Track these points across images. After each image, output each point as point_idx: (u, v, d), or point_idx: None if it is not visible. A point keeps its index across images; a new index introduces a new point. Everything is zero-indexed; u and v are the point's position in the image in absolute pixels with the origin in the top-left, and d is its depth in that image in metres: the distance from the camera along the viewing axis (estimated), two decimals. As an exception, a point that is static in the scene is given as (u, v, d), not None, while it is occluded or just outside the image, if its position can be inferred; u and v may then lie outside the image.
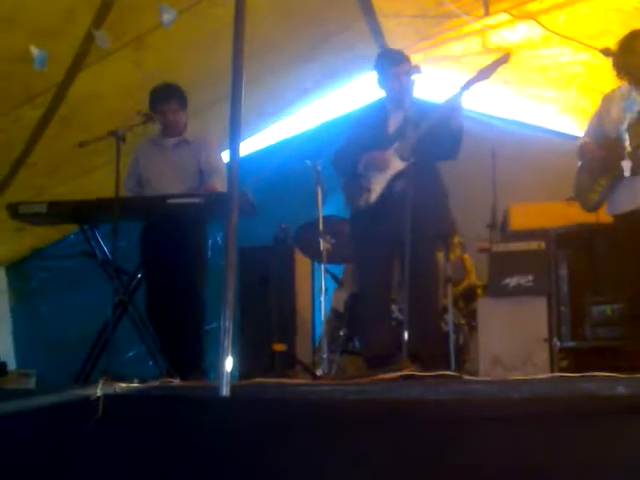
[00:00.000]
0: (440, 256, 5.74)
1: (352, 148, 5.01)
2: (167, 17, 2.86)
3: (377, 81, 5.06)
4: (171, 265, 5.16)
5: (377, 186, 4.88)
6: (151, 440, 3.47)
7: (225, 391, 3.30)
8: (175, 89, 5.39)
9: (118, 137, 4.81)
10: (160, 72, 5.59)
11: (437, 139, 4.73)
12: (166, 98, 5.35)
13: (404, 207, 4.27)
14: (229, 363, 3.32)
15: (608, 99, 4.79)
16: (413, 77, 4.57)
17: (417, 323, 4.44)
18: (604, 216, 4.92)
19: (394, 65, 4.94)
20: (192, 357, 5.20)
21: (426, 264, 4.81)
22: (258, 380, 3.74)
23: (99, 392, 3.50)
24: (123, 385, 3.70)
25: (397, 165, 4.77)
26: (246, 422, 3.42)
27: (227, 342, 3.35)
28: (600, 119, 4.80)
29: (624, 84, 4.68)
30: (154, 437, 3.47)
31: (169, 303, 5.21)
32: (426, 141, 4.65)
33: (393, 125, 4.97)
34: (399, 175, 4.75)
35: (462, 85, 4.69)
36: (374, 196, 4.88)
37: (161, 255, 5.21)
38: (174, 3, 4.47)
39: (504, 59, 4.62)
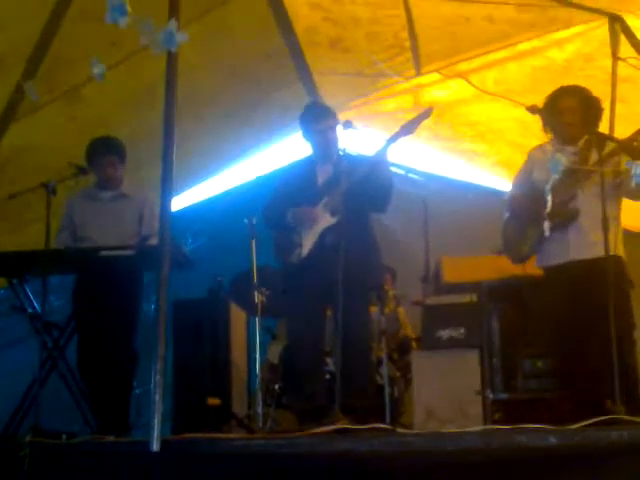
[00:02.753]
0: (374, 309, 5.77)
1: (281, 202, 5.02)
2: (97, 70, 2.86)
3: (302, 136, 5.10)
4: (103, 319, 5.08)
5: (308, 241, 4.90)
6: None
7: (155, 446, 3.25)
8: (115, 142, 5.35)
9: (49, 189, 4.75)
10: (94, 126, 5.56)
11: (366, 192, 4.77)
12: (106, 151, 5.30)
13: (335, 260, 4.28)
14: (159, 417, 3.27)
15: (534, 154, 4.89)
16: (343, 131, 4.63)
17: (351, 376, 4.44)
18: (531, 268, 4.99)
19: (318, 120, 4.99)
20: (122, 413, 5.11)
21: (359, 317, 4.83)
22: (189, 435, 3.68)
23: (26, 448, 3.43)
24: (51, 441, 3.63)
25: (327, 220, 4.80)
26: (177, 477, 3.36)
27: (158, 396, 3.31)
28: (527, 173, 4.88)
29: (550, 141, 4.79)
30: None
31: (100, 358, 5.11)
32: (355, 194, 4.68)
33: (321, 178, 5.00)
34: (329, 229, 4.78)
35: (387, 139, 4.76)
36: (305, 251, 4.90)
37: (93, 308, 5.12)
38: (108, 54, 4.46)
39: (426, 113, 4.70)
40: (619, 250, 4.63)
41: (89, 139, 5.36)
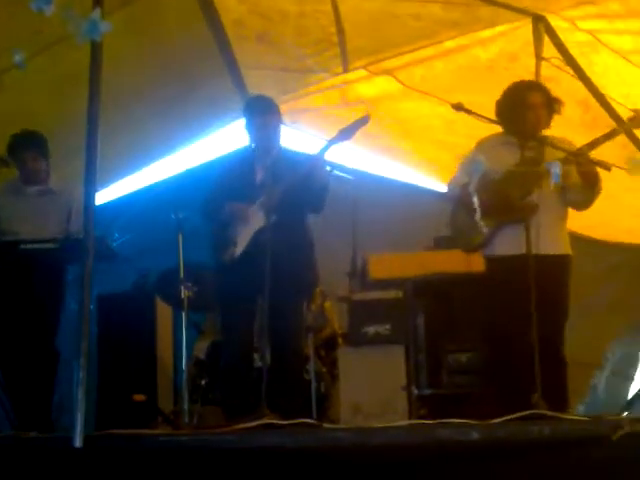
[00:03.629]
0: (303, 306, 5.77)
1: (220, 195, 4.99)
2: (18, 58, 2.80)
3: (245, 126, 5.08)
4: (23, 314, 4.98)
5: (242, 239, 4.88)
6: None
7: (78, 442, 3.20)
8: (36, 136, 5.26)
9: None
10: (16, 115, 5.44)
11: (302, 193, 4.78)
12: (26, 146, 5.21)
13: (269, 260, 4.31)
14: (83, 413, 3.23)
15: (486, 143, 4.78)
16: (280, 127, 4.63)
17: (279, 372, 4.46)
18: (476, 263, 5.00)
19: (261, 115, 4.97)
20: (44, 410, 5.02)
21: (291, 315, 4.85)
22: (113, 431, 3.63)
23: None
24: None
25: (261, 220, 4.79)
26: (100, 474, 3.32)
27: (81, 392, 3.27)
28: (478, 162, 4.60)
29: (501, 134, 4.70)
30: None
31: (21, 354, 5.01)
32: (291, 195, 4.69)
33: (260, 174, 4.99)
34: (264, 229, 4.77)
35: (324, 144, 4.78)
36: (239, 250, 4.87)
37: (13, 303, 5.02)
38: (32, 42, 4.37)
39: (364, 120, 4.72)
40: (569, 249, 4.69)
41: (11, 129, 5.26)
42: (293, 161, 4.90)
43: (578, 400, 5.42)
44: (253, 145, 5.08)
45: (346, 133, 4.70)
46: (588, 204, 4.66)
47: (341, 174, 5.52)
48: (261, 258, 4.42)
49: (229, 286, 4.95)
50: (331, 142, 4.75)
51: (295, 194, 4.73)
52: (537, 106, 4.66)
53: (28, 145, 5.21)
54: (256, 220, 4.81)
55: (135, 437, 3.56)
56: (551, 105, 4.68)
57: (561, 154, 4.33)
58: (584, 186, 4.48)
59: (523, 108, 4.64)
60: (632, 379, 7.34)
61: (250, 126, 5.03)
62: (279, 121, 4.96)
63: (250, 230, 4.84)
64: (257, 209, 4.82)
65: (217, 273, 5.10)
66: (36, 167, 5.24)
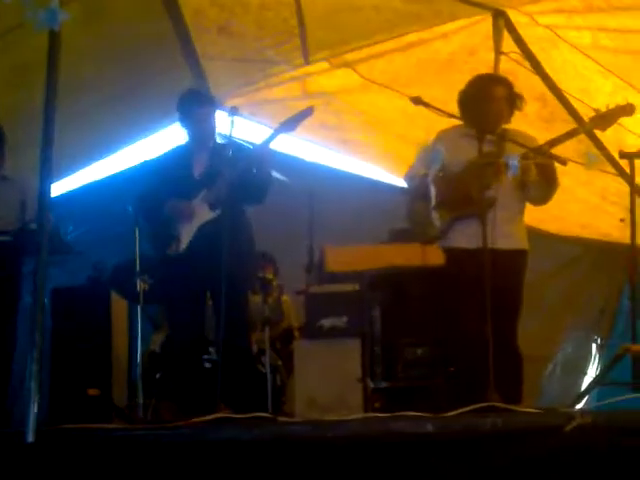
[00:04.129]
0: (257, 298, 5.77)
1: (156, 193, 4.94)
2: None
3: (179, 122, 5.04)
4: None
5: (185, 235, 4.84)
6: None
7: (30, 437, 3.17)
8: None
9: None
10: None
11: (245, 185, 4.75)
12: None
13: (214, 252, 4.30)
14: (35, 408, 3.19)
15: (446, 135, 4.77)
16: (229, 118, 4.61)
17: (229, 366, 4.45)
18: (433, 255, 5.02)
19: (197, 106, 4.94)
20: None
21: (236, 308, 4.81)
22: (66, 426, 3.60)
23: None
24: None
25: (205, 214, 4.75)
26: (53, 469, 3.29)
27: (34, 386, 3.23)
28: (435, 152, 4.69)
29: (459, 126, 4.69)
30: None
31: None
32: (234, 187, 4.67)
33: (198, 168, 4.95)
34: (208, 222, 4.74)
35: (268, 135, 4.76)
36: (183, 244, 4.84)
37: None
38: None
39: (308, 112, 4.70)
40: (526, 245, 4.72)
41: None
42: (234, 152, 4.83)
43: (530, 393, 5.46)
44: (190, 139, 5.04)
45: (289, 124, 4.69)
46: (546, 199, 4.69)
47: (297, 166, 5.51)
48: (205, 251, 4.40)
49: (174, 281, 4.91)
50: (275, 133, 4.73)
51: (238, 186, 4.70)
52: (500, 99, 4.67)
53: None
54: (200, 214, 4.78)
55: (89, 432, 3.53)
56: (513, 100, 4.70)
57: (520, 149, 4.36)
58: (542, 181, 4.51)
59: (486, 100, 4.65)
60: (584, 373, 7.45)
61: (186, 119, 4.99)
62: (214, 112, 4.94)
63: (194, 224, 4.82)
64: (200, 203, 4.79)
65: (161, 270, 5.06)
66: None
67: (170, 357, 5.72)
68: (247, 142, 5.40)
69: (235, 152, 4.74)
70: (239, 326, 4.82)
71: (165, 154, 5.37)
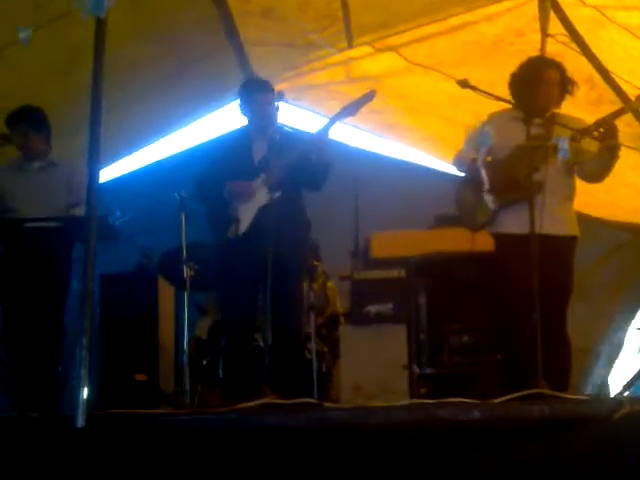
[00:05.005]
0: (304, 285, 5.77)
1: (215, 176, 4.97)
2: (23, 35, 2.78)
3: (240, 108, 5.06)
4: (28, 292, 4.97)
5: (245, 216, 4.86)
6: (3, 472, 3.33)
7: (80, 422, 3.21)
8: (26, 111, 5.22)
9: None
10: (15, 91, 5.42)
11: (303, 171, 4.77)
12: (16, 120, 5.19)
13: (272, 235, 4.31)
14: (85, 393, 3.23)
15: (496, 119, 4.70)
16: (277, 105, 4.62)
17: (279, 351, 4.47)
18: (481, 241, 4.98)
19: (258, 93, 4.96)
20: (47, 389, 5.03)
21: (292, 294, 4.86)
22: (115, 411, 3.64)
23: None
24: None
25: (264, 197, 4.76)
26: (102, 454, 3.33)
27: (84, 371, 3.27)
28: (484, 136, 4.56)
29: (509, 109, 4.63)
30: (6, 469, 3.33)
31: (25, 333, 5.02)
32: (292, 173, 4.68)
33: (257, 154, 4.97)
34: (268, 206, 4.74)
35: (328, 120, 4.75)
36: (243, 226, 4.86)
37: (18, 281, 5.02)
38: (32, 16, 4.33)
39: (370, 96, 4.68)
40: (576, 230, 4.66)
41: (13, 105, 5.24)
42: (294, 139, 4.88)
43: (576, 383, 5.41)
44: (250, 125, 5.06)
45: (350, 109, 4.69)
46: (604, 175, 4.58)
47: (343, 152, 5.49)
48: (263, 235, 4.41)
49: (231, 264, 4.94)
50: (335, 118, 4.74)
51: (297, 172, 4.72)
52: (551, 83, 4.62)
53: (17, 120, 5.19)
54: (259, 196, 4.80)
55: (137, 417, 3.57)
56: (565, 85, 4.65)
57: (569, 132, 4.29)
58: (604, 154, 4.42)
59: (537, 83, 4.59)
60: (631, 362, 7.35)
61: (246, 106, 5.02)
62: (275, 100, 4.95)
63: (254, 206, 4.83)
64: (259, 185, 4.81)
65: (218, 251, 5.09)
66: (25, 142, 5.20)
67: (218, 343, 5.77)
68: (300, 131, 5.40)
69: (295, 138, 4.75)
70: (292, 310, 4.85)
71: (224, 138, 5.41)
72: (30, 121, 5.21)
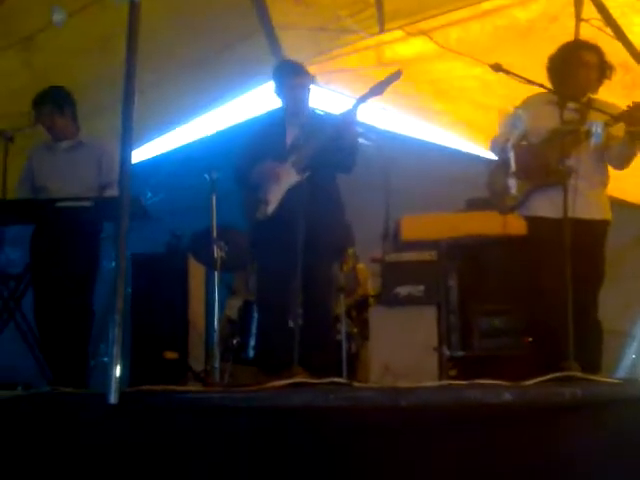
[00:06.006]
0: (334, 266, 5.78)
1: (250, 158, 4.99)
2: (58, 17, 2.80)
3: (274, 91, 5.07)
4: (59, 271, 5.02)
5: (274, 197, 4.87)
6: (37, 447, 3.38)
7: (113, 398, 3.25)
8: (50, 93, 5.24)
9: (6, 137, 4.70)
10: (51, 73, 5.47)
11: (332, 152, 4.76)
12: (41, 101, 5.23)
13: (301, 218, 4.31)
14: (118, 370, 3.27)
15: (532, 102, 4.64)
16: (310, 88, 4.62)
17: (310, 331, 4.49)
18: (512, 225, 4.95)
19: (292, 76, 4.96)
20: (79, 366, 5.09)
21: (322, 275, 4.87)
22: (146, 387, 3.68)
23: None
24: (7, 392, 3.61)
25: (293, 177, 4.77)
26: (134, 430, 3.37)
27: (116, 349, 3.30)
28: (520, 120, 4.41)
29: (545, 93, 4.55)
30: (40, 444, 3.38)
31: (57, 310, 5.07)
32: (322, 154, 4.69)
33: (291, 136, 4.98)
34: (296, 187, 4.76)
35: (356, 100, 4.74)
36: (271, 208, 4.87)
37: (49, 260, 5.06)
38: (65, 4, 4.37)
39: (396, 75, 4.67)
40: (608, 215, 4.63)
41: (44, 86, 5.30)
42: (323, 121, 4.88)
43: (607, 367, 5.38)
44: (284, 107, 5.07)
45: (377, 89, 4.67)
46: (627, 162, 4.55)
47: (373, 135, 5.47)
48: (294, 216, 4.42)
49: (264, 247, 4.97)
50: (362, 99, 4.71)
51: (326, 153, 4.72)
52: (590, 66, 4.58)
53: (42, 101, 5.23)
54: (288, 177, 4.81)
55: (168, 393, 3.61)
56: (603, 69, 4.60)
57: (603, 117, 4.25)
58: (627, 143, 4.38)
59: (575, 65, 4.56)
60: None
61: (281, 88, 5.02)
62: (309, 83, 4.95)
63: (282, 188, 4.84)
64: (289, 167, 4.82)
65: (251, 234, 5.11)
66: (53, 123, 5.24)
67: (248, 323, 5.80)
68: (330, 113, 5.41)
69: (325, 120, 4.75)
70: (322, 291, 4.85)
71: (254, 120, 5.40)
72: (54, 102, 5.24)
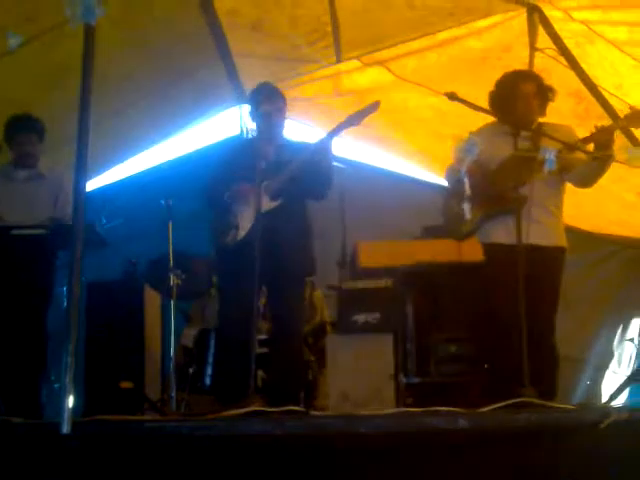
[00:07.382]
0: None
1: (222, 181, 4.94)
2: (13, 41, 2.78)
3: (249, 113, 5.07)
4: (13, 298, 4.97)
5: (245, 223, 4.83)
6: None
7: (66, 428, 3.19)
8: (36, 121, 5.28)
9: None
10: (5, 104, 5.43)
11: (306, 180, 4.75)
12: (26, 129, 5.22)
13: (272, 245, 4.30)
14: (71, 400, 3.22)
15: (482, 132, 4.65)
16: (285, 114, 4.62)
17: (282, 356, 4.48)
18: (467, 251, 4.98)
19: (266, 101, 4.93)
20: (32, 396, 5.01)
21: (294, 302, 4.83)
22: (100, 417, 3.63)
23: None
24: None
25: (265, 204, 4.75)
26: (88, 460, 3.32)
27: (69, 378, 3.25)
28: (473, 147, 4.34)
29: (493, 123, 4.65)
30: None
31: (9, 339, 5.00)
32: (295, 181, 4.68)
33: (264, 161, 4.94)
34: (268, 213, 4.73)
35: (332, 129, 4.74)
36: (242, 233, 4.83)
37: (3, 289, 5.01)
38: (23, 30, 4.33)
39: (374, 106, 4.67)
40: (563, 241, 4.67)
41: (2, 117, 5.25)
42: (297, 148, 4.86)
43: (563, 392, 5.43)
44: (257, 132, 5.05)
45: (354, 119, 4.67)
46: (595, 180, 4.59)
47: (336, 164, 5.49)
48: (263, 243, 4.40)
49: (231, 273, 4.89)
50: (338, 128, 4.71)
51: (299, 180, 4.71)
52: (529, 96, 4.64)
53: (28, 129, 5.23)
54: (261, 202, 4.79)
55: (122, 423, 3.56)
56: (544, 93, 4.67)
57: (557, 144, 4.30)
58: (596, 163, 4.41)
59: (515, 98, 4.62)
60: (617, 372, 7.39)
61: (254, 113, 5.01)
62: (284, 108, 4.95)
63: (253, 214, 4.80)
64: (262, 192, 4.79)
65: (218, 259, 5.06)
66: (32, 150, 5.27)
67: (204, 352, 5.75)
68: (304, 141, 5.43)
69: (298, 146, 4.75)
70: (291, 321, 4.81)
71: (231, 144, 5.36)
72: (38, 131, 5.26)
